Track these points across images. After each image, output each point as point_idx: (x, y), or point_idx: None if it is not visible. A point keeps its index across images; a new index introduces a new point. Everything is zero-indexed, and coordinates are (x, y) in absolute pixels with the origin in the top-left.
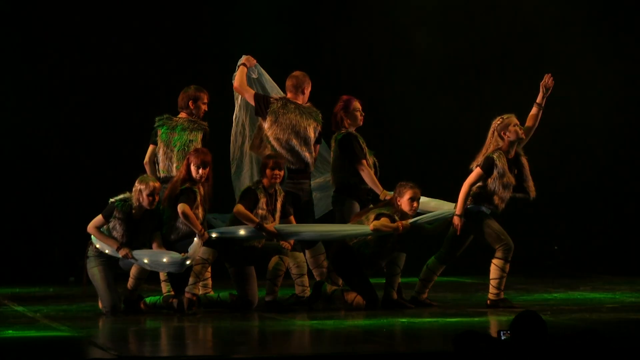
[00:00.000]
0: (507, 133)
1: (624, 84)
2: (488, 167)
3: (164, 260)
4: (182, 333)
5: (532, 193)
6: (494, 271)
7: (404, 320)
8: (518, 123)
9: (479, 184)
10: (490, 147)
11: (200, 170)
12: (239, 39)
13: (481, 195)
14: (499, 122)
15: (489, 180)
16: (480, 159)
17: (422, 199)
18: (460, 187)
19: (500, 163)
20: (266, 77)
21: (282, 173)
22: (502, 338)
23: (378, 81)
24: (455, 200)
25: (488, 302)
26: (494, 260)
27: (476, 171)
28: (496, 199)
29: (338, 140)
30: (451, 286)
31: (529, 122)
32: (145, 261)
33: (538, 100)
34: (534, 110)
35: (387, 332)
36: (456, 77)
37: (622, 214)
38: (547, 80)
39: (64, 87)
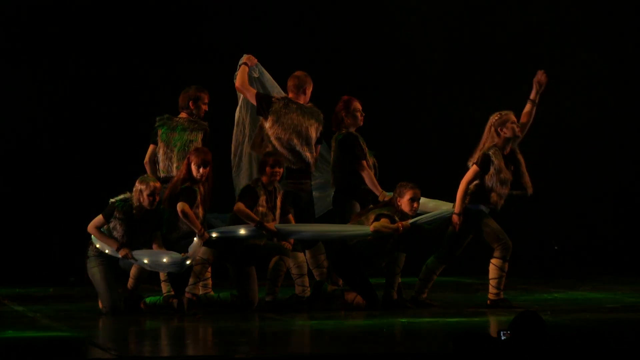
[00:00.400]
0: (504, 129)
1: (623, 82)
2: (484, 164)
3: (164, 260)
4: (182, 333)
5: (530, 189)
6: (493, 271)
7: (403, 320)
8: (516, 120)
9: (476, 181)
10: (486, 143)
11: (201, 169)
12: (239, 38)
13: (479, 193)
14: (496, 118)
15: (486, 177)
16: (476, 155)
17: (421, 199)
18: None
19: (497, 159)
20: (267, 76)
21: (282, 170)
22: (502, 338)
23: (378, 81)
24: (453, 200)
25: (488, 302)
26: (493, 260)
27: (473, 169)
28: (494, 196)
29: (338, 141)
30: (451, 286)
31: (522, 119)
32: (145, 261)
33: (531, 96)
34: (527, 107)
35: (387, 332)
36: (456, 76)
37: (622, 214)
38: (540, 76)
39: (64, 86)
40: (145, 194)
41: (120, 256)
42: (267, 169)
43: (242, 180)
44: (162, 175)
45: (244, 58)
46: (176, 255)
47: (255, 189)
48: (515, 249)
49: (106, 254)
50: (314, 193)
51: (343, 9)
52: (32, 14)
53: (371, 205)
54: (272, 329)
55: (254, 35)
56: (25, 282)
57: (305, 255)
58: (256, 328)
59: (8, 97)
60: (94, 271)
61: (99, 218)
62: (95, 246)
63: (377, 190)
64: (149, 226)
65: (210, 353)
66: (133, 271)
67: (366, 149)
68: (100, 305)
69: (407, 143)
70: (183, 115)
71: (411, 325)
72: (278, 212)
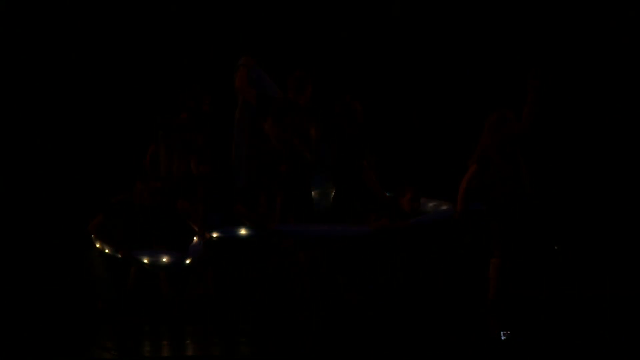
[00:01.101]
0: (502, 128)
1: (622, 80)
2: (484, 162)
3: (164, 260)
4: (182, 333)
5: (529, 187)
6: (493, 270)
7: (406, 321)
8: (514, 119)
9: (477, 180)
10: (485, 142)
11: (201, 168)
12: (239, 39)
13: (479, 192)
14: (495, 117)
15: (487, 175)
16: (476, 154)
17: (421, 199)
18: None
19: (496, 158)
20: (265, 77)
21: (284, 170)
22: (502, 338)
23: (378, 81)
24: (453, 200)
25: (488, 302)
26: (493, 260)
27: (473, 168)
28: (495, 194)
29: (339, 141)
30: (451, 286)
31: (521, 120)
32: (145, 261)
33: (528, 98)
34: (525, 108)
35: (389, 332)
36: (455, 76)
37: (622, 214)
38: (534, 77)
39: (64, 86)
40: (145, 194)
41: (120, 256)
42: (273, 169)
43: (241, 181)
44: (162, 175)
45: (242, 60)
46: (176, 255)
47: (255, 190)
48: (515, 249)
49: (106, 253)
50: (313, 193)
51: (343, 9)
52: (32, 13)
53: (371, 206)
54: (272, 328)
55: (253, 36)
56: (25, 282)
57: (304, 255)
58: (256, 328)
59: (8, 97)
60: (94, 271)
61: (99, 218)
62: (96, 246)
63: (377, 190)
64: (149, 226)
65: (210, 353)
66: (133, 271)
67: (367, 149)
68: (100, 305)
69: (407, 143)
70: (184, 115)
71: (411, 324)
72: (278, 212)
